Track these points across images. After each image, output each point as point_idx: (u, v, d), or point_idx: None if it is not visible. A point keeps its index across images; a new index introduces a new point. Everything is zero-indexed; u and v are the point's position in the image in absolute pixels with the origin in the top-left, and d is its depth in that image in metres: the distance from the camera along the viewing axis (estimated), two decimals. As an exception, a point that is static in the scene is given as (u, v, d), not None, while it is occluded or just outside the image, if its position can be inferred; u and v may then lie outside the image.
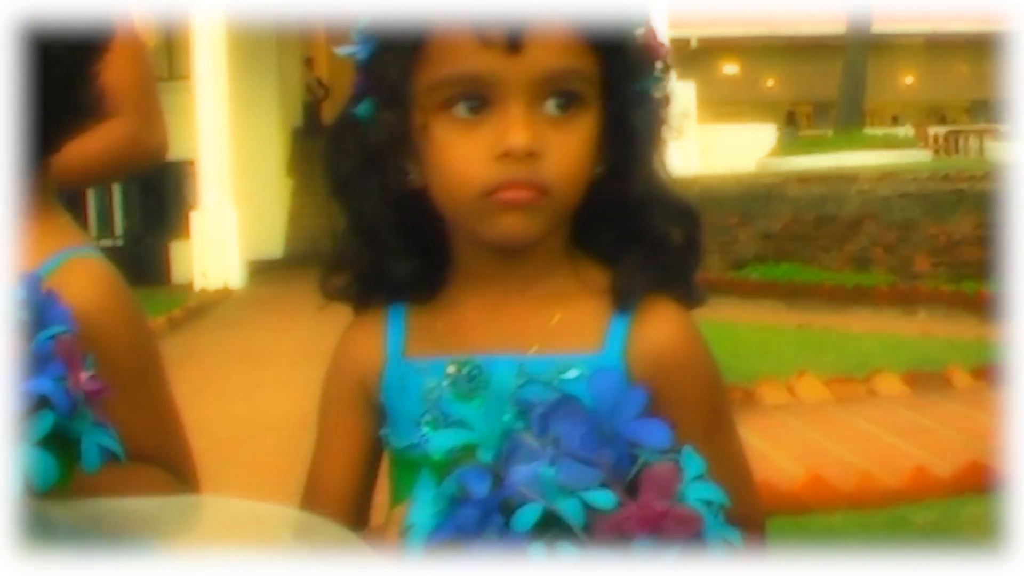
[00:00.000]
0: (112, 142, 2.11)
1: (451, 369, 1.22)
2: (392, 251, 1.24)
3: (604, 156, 1.23)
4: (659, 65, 1.25)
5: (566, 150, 1.17)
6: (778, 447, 5.31)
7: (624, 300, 1.23)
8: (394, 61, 1.19)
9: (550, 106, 1.17)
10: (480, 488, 0.92)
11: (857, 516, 4.19)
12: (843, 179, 11.31)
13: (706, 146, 16.62)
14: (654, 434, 0.95)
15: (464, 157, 1.17)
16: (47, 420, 0.98)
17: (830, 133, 17.49)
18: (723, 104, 23.07)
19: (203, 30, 14.55)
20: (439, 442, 1.04)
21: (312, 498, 1.28)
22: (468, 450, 0.99)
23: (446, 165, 1.18)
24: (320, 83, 22.60)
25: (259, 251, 17.22)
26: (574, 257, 1.26)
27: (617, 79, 1.21)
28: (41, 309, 1.04)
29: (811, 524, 4.11)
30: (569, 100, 1.18)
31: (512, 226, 1.18)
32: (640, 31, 1.24)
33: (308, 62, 22.42)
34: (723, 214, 12.20)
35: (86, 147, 1.95)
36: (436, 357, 1.23)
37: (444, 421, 1.20)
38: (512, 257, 1.23)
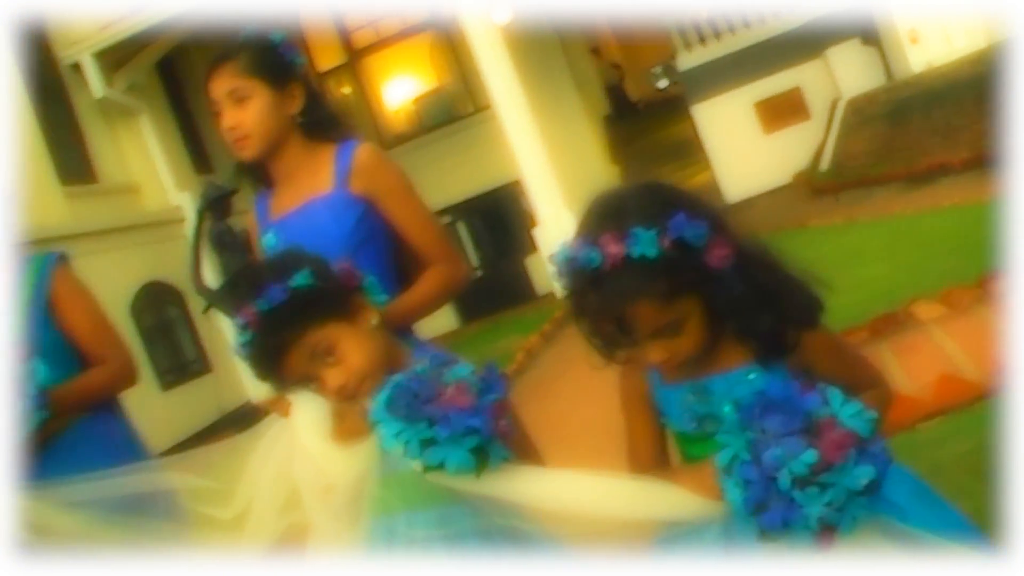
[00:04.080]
0: (436, 285, 3.08)
1: (689, 388, 2.18)
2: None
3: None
4: (730, 259, 2.00)
5: (686, 344, 2.09)
6: None
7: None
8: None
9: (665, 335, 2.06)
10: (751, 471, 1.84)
11: None
12: None
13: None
14: (812, 399, 1.82)
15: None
16: (473, 440, 2.04)
17: None
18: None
19: (488, 59, 14.88)
20: (725, 456, 1.87)
21: (636, 466, 2.30)
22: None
23: None
24: (614, 65, 22.84)
25: (604, 243, 17.47)
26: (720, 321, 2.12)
27: (708, 292, 2.03)
28: (490, 381, 2.12)
29: None
30: (675, 331, 2.05)
31: (675, 375, 2.19)
32: (704, 250, 1.98)
33: (596, 51, 22.55)
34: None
35: (424, 293, 3.07)
36: (679, 382, 2.21)
37: (694, 418, 2.17)
38: None
